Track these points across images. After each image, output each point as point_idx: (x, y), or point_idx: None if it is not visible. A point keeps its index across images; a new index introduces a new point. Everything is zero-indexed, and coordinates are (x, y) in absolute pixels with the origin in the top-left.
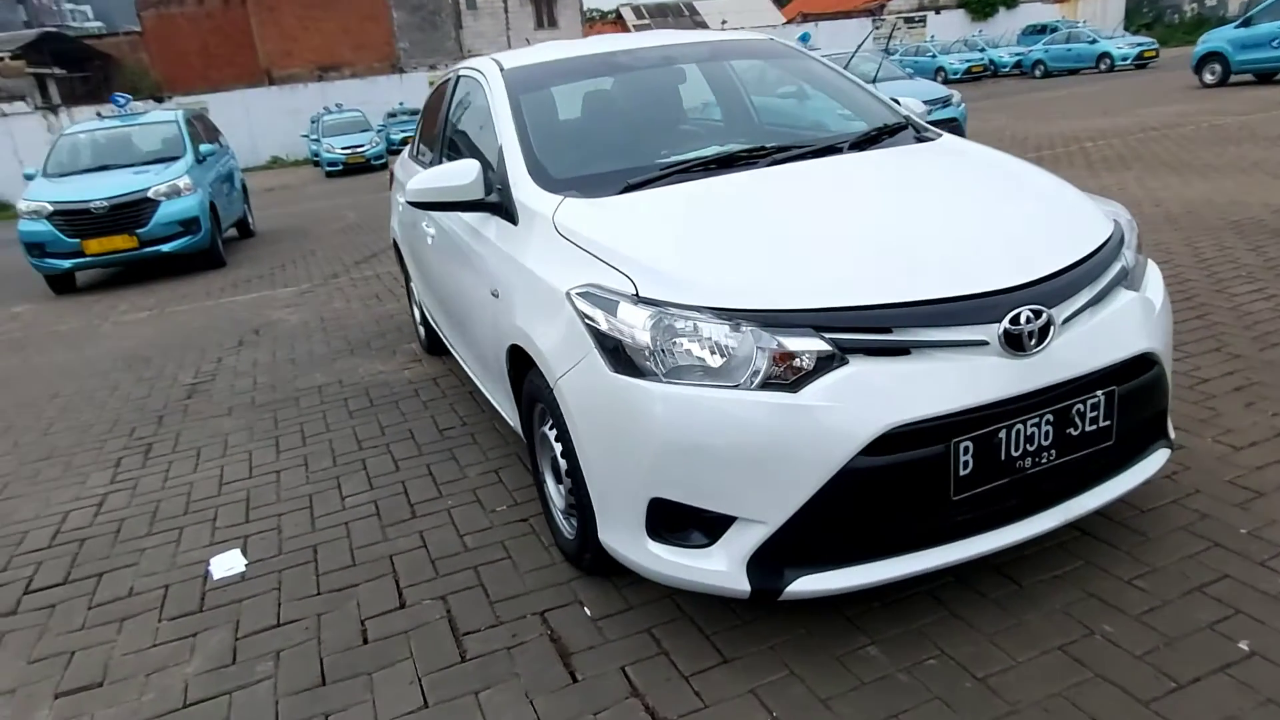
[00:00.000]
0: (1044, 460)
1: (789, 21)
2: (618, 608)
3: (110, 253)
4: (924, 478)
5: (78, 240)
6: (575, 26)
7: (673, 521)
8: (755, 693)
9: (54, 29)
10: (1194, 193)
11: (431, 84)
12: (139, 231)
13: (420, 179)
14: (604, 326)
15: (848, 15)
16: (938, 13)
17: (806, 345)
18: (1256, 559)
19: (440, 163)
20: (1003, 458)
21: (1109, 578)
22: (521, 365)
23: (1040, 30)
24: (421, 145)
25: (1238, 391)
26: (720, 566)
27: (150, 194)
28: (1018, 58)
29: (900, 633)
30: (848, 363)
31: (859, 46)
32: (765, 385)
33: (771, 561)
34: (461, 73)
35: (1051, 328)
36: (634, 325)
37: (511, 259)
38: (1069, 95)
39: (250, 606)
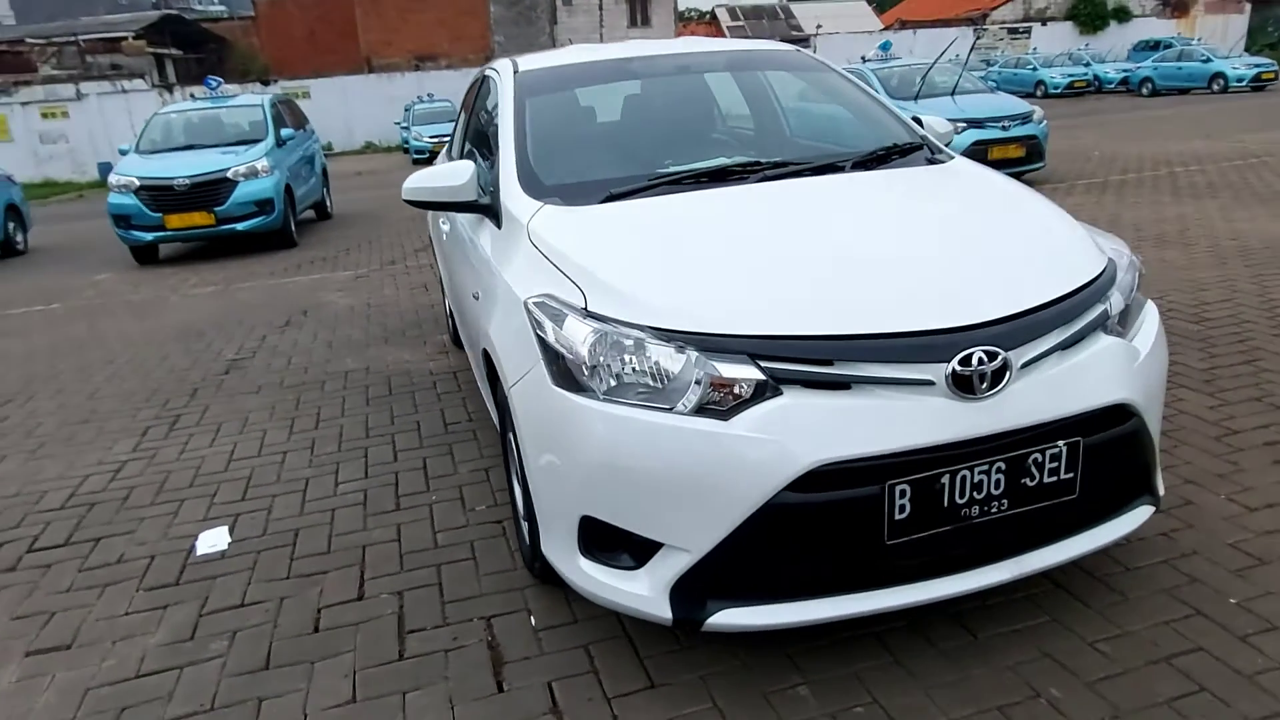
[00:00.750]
0: (994, 510)
1: (886, 28)
2: (563, 620)
3: (189, 228)
4: (855, 519)
5: (160, 215)
6: (669, 25)
7: (603, 541)
8: None
9: (175, 11)
10: (1278, 227)
11: None
12: (216, 209)
13: (416, 177)
14: (550, 338)
15: (947, 24)
16: (1044, 24)
17: (742, 373)
18: (1239, 633)
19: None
20: (945, 504)
21: (1071, 637)
22: (494, 369)
23: (1153, 46)
24: (455, 143)
25: (1268, 447)
26: (644, 591)
27: (229, 174)
28: (1124, 74)
29: (837, 675)
30: (781, 393)
31: (939, 57)
32: (701, 411)
33: (695, 591)
34: (487, 72)
35: (1008, 371)
36: (575, 340)
37: (489, 263)
38: (1173, 115)
39: (222, 584)
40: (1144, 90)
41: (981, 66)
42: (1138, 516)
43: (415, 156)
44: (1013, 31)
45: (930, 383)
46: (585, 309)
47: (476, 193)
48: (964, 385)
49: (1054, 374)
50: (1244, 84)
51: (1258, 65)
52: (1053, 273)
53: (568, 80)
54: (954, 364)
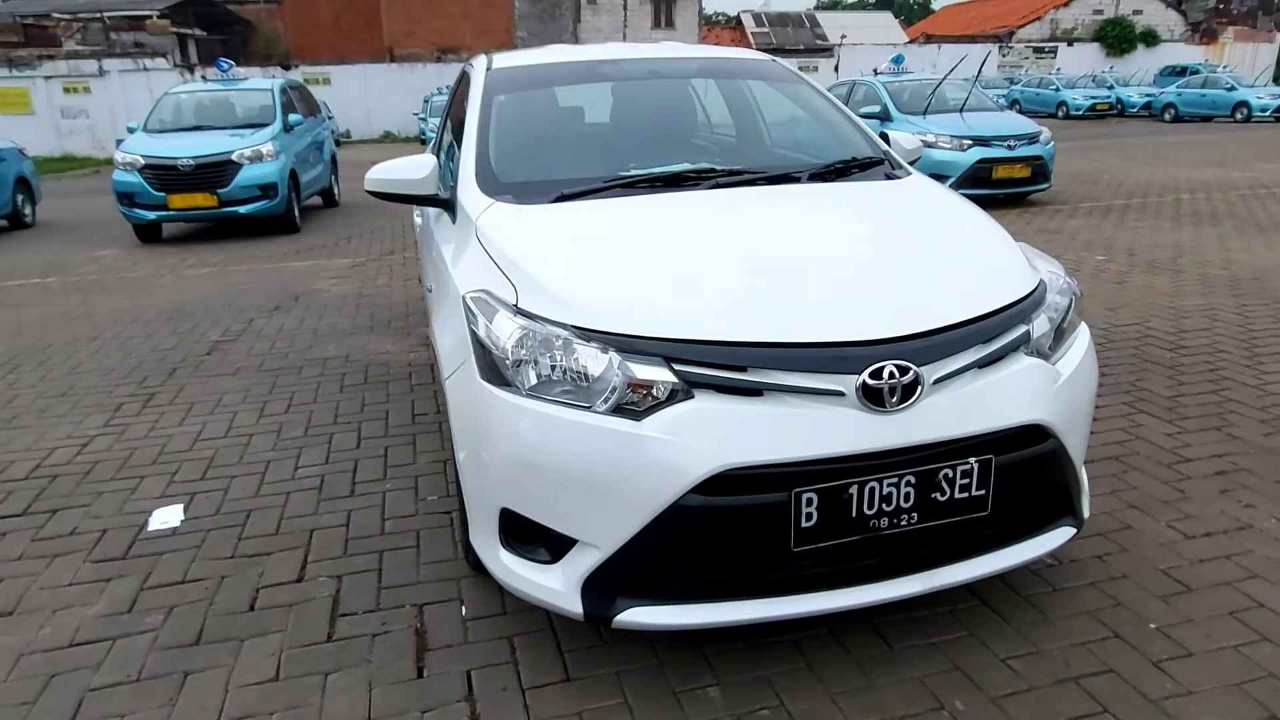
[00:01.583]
0: (903, 523)
1: (911, 41)
2: (493, 611)
3: (191, 209)
4: (761, 525)
5: (163, 194)
6: (692, 28)
7: (522, 534)
8: (581, 716)
9: None
10: (1273, 258)
11: None
12: (220, 191)
13: (379, 168)
14: (481, 333)
15: (973, 40)
16: (1070, 45)
17: (656, 375)
18: (1153, 658)
19: (437, 154)
20: (853, 515)
21: (985, 653)
22: None
23: (1179, 72)
24: (438, 136)
25: (1218, 476)
26: (557, 585)
27: (234, 157)
28: (1148, 99)
29: (749, 678)
30: (693, 397)
31: (948, 74)
32: (618, 411)
33: (605, 588)
34: (466, 68)
35: (920, 386)
36: (502, 335)
37: (442, 257)
38: (1190, 142)
39: (167, 560)
40: (1166, 116)
41: (1005, 84)
42: (1057, 537)
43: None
44: (1038, 51)
45: (841, 394)
46: (516, 306)
47: (437, 187)
48: (874, 398)
49: (968, 391)
50: (1268, 114)
51: None
52: (977, 292)
53: (539, 80)
54: (865, 376)
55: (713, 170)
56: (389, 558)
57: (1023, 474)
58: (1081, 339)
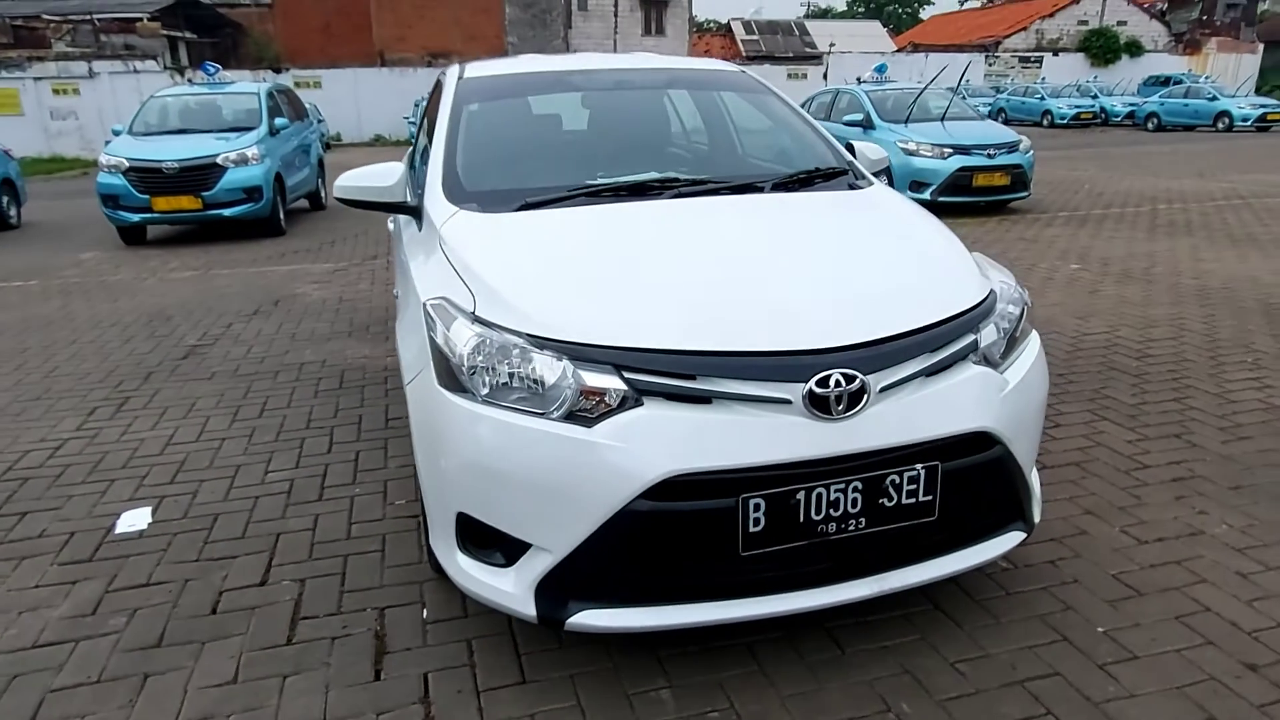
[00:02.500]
0: (851, 528)
1: (899, 50)
2: (454, 613)
3: (176, 211)
4: (709, 530)
5: (147, 197)
6: (683, 36)
7: (478, 537)
8: (533, 718)
9: None
10: (1243, 269)
11: None
12: (204, 194)
13: (347, 175)
14: (439, 339)
15: (960, 49)
16: (1055, 54)
17: (606, 383)
18: (1099, 660)
19: (413, 160)
20: (801, 520)
21: (935, 657)
22: None
23: (1163, 82)
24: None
25: (1175, 482)
26: (511, 588)
27: (219, 160)
28: (1131, 108)
29: (701, 681)
30: (642, 404)
31: (929, 83)
32: (570, 418)
33: (558, 591)
34: (441, 77)
35: (866, 394)
36: (458, 342)
37: (407, 264)
38: (1172, 152)
39: (133, 563)
40: (1150, 125)
41: (992, 93)
42: (1006, 542)
43: None
44: (1024, 60)
45: (788, 401)
46: (473, 314)
47: (406, 194)
48: (821, 405)
49: (915, 399)
50: (1249, 124)
51: (1264, 106)
52: (926, 302)
53: (509, 90)
54: (811, 384)
55: (676, 179)
56: (353, 561)
57: (970, 480)
58: (1031, 348)
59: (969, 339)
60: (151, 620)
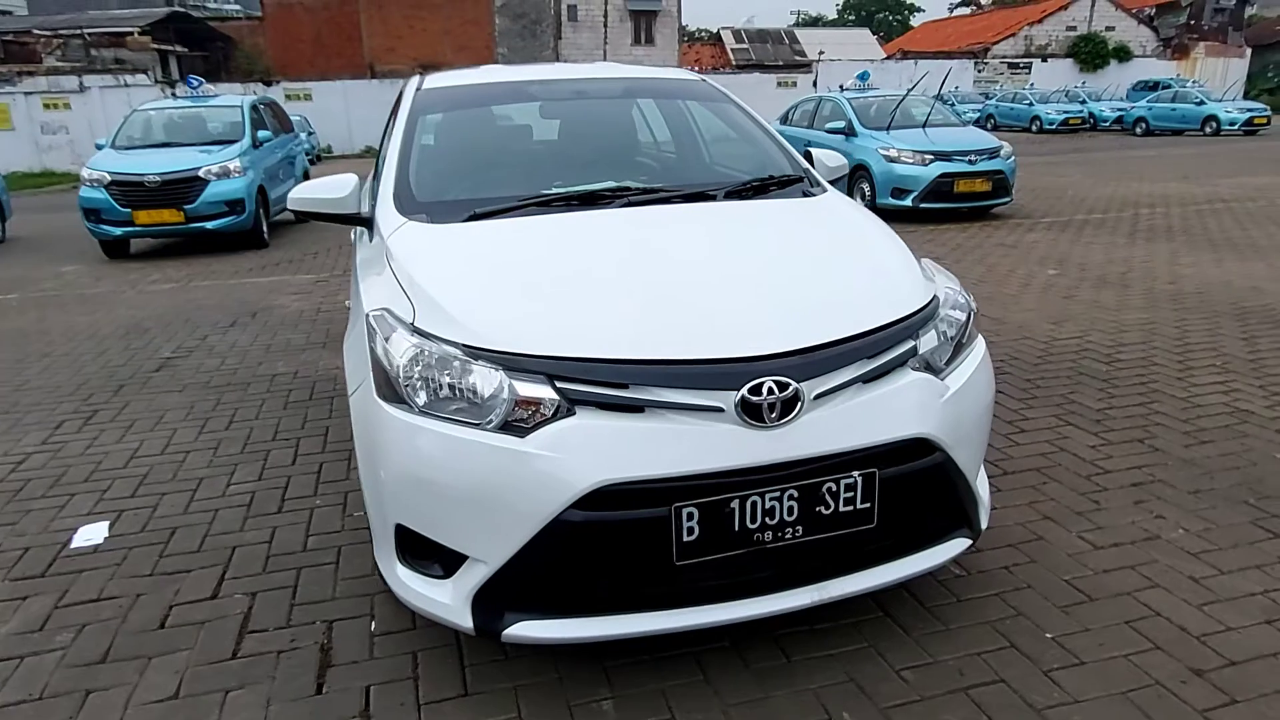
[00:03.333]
0: (788, 536)
1: (888, 57)
2: (402, 626)
3: (158, 225)
4: (643, 539)
5: (129, 210)
6: (672, 45)
7: (418, 549)
8: None
9: (181, 9)
10: (1218, 273)
11: None
12: (186, 207)
13: (303, 187)
14: (379, 350)
15: (949, 56)
16: (1044, 60)
17: (539, 393)
18: (1044, 666)
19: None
20: (736, 529)
21: (881, 664)
22: None
23: (1151, 87)
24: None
25: (1134, 487)
26: (447, 600)
27: (200, 173)
28: (1119, 113)
29: (645, 691)
30: (574, 414)
31: (909, 90)
32: (505, 428)
33: (494, 602)
34: (404, 88)
35: (800, 402)
36: (396, 353)
37: (356, 275)
38: (1158, 156)
39: (86, 578)
40: (1138, 130)
41: (981, 99)
42: (951, 549)
43: None
44: (1013, 66)
45: (720, 410)
46: (413, 325)
47: (359, 205)
48: (754, 413)
49: (851, 406)
50: (1236, 128)
51: (1250, 110)
52: (865, 308)
53: (466, 100)
54: (744, 392)
55: (627, 188)
56: (307, 574)
57: (910, 487)
58: (976, 353)
59: (908, 345)
60: (99, 635)
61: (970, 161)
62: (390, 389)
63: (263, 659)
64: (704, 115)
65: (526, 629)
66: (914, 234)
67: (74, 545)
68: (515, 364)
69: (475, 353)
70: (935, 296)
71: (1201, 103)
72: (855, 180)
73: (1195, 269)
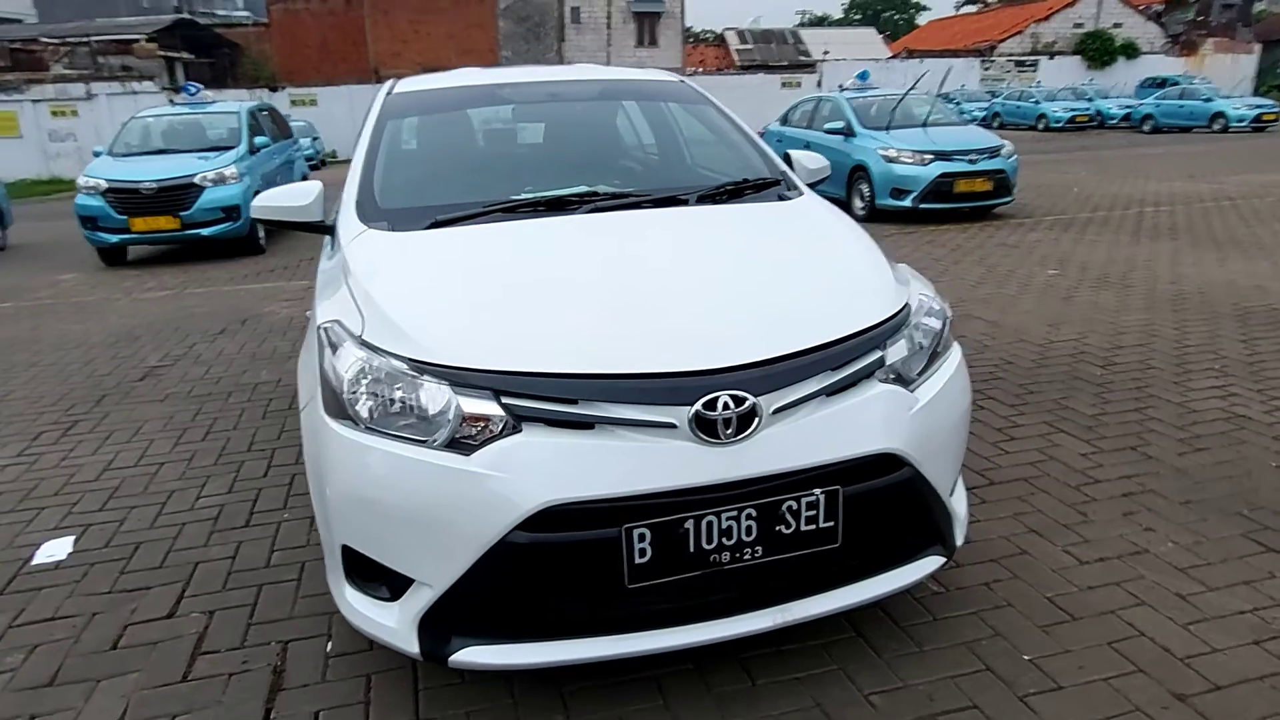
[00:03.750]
0: (746, 557)
1: (894, 56)
2: (358, 647)
3: (154, 232)
4: (593, 562)
5: (125, 218)
6: (675, 46)
7: (365, 571)
8: None
9: (188, 16)
10: (1221, 273)
11: None
12: (182, 214)
13: (266, 195)
14: (326, 364)
15: (955, 54)
16: (1051, 58)
17: (485, 409)
18: (1020, 691)
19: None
20: (691, 550)
21: (849, 688)
22: None
23: (1159, 84)
24: None
25: (1124, 498)
26: (393, 623)
27: (196, 179)
28: (1127, 110)
29: (601, 717)
30: (520, 430)
31: (909, 89)
32: (451, 445)
33: (440, 626)
34: (379, 92)
35: (757, 417)
36: (341, 367)
37: (316, 285)
38: (1165, 154)
39: (44, 595)
40: (1145, 127)
41: (987, 98)
42: (923, 567)
43: None
44: (1019, 64)
45: (672, 426)
46: (360, 337)
47: (322, 213)
48: (708, 429)
49: (812, 421)
50: (1245, 124)
51: (1259, 106)
52: (829, 318)
53: (437, 105)
54: (697, 407)
55: (595, 193)
56: (267, 591)
57: (877, 504)
58: (950, 363)
59: (875, 356)
60: (50, 657)
61: (971, 161)
62: (337, 404)
63: (213, 682)
64: (681, 117)
65: (474, 654)
66: (914, 235)
67: (36, 561)
68: (461, 379)
69: (421, 367)
70: (907, 304)
71: (1209, 100)
72: (854, 181)
73: (1198, 268)
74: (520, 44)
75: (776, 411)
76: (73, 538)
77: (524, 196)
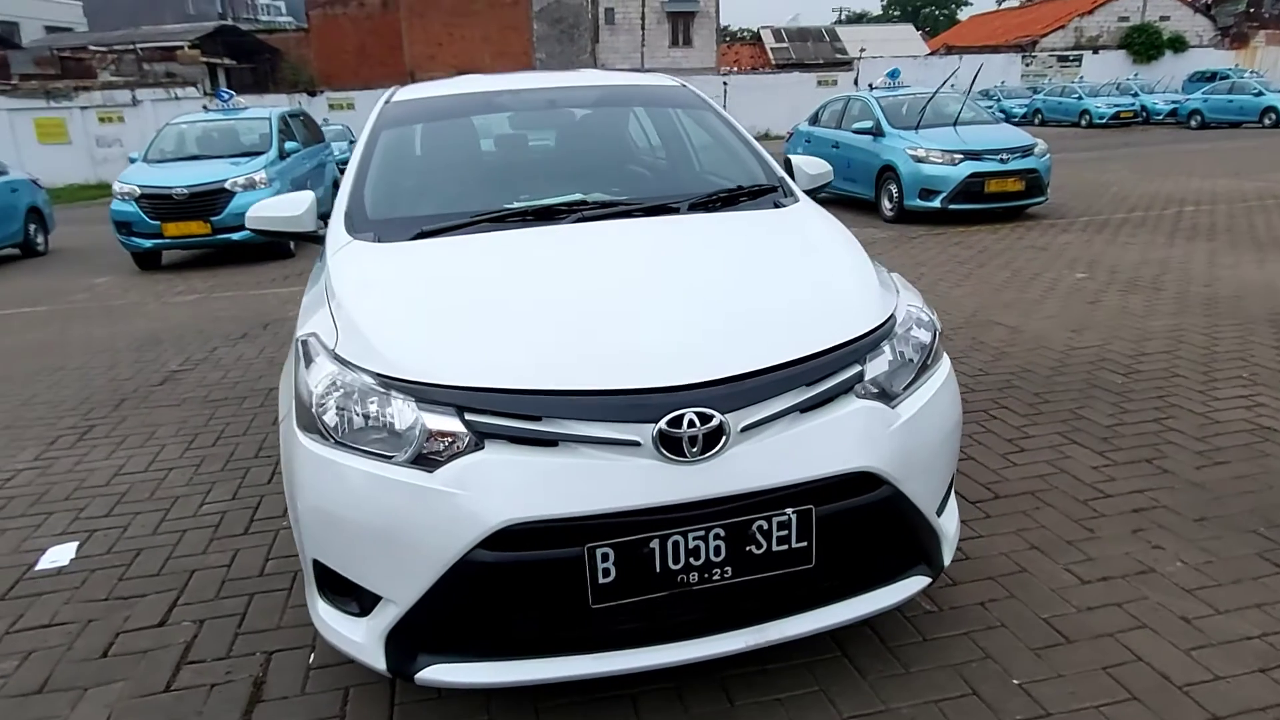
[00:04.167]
0: (715, 577)
1: (932, 53)
2: (340, 659)
3: (186, 236)
4: (556, 581)
5: (158, 222)
6: (710, 46)
7: (337, 585)
8: None
9: (230, 23)
10: (1260, 275)
11: None
12: (213, 219)
13: (260, 205)
14: (299, 377)
15: (995, 50)
16: (1095, 52)
17: (447, 425)
18: (1005, 718)
19: None
20: (657, 570)
21: (829, 710)
22: None
23: (1209, 78)
24: None
25: (1135, 514)
26: (361, 639)
27: (227, 185)
28: (1173, 105)
29: None
30: (483, 447)
31: (939, 87)
32: (417, 462)
33: (406, 643)
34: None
35: (725, 435)
36: (313, 381)
37: (304, 297)
38: (1211, 150)
39: (43, 602)
40: (1192, 123)
41: (1029, 94)
42: (906, 588)
43: None
44: (1062, 59)
45: (636, 443)
46: (333, 351)
47: (314, 223)
48: (673, 447)
49: (784, 438)
50: None
51: None
52: (806, 331)
53: (433, 113)
54: (662, 425)
55: (583, 202)
56: (258, 600)
57: (854, 524)
58: (937, 377)
59: (853, 370)
60: (42, 664)
61: (1002, 160)
62: (309, 418)
63: (194, 692)
64: (685, 123)
65: (439, 672)
66: (942, 236)
67: (39, 567)
68: (426, 395)
69: (388, 382)
70: (892, 316)
71: (1260, 94)
72: (883, 181)
73: (1235, 270)
74: (554, 46)
75: (746, 429)
76: (76, 544)
77: (513, 206)
